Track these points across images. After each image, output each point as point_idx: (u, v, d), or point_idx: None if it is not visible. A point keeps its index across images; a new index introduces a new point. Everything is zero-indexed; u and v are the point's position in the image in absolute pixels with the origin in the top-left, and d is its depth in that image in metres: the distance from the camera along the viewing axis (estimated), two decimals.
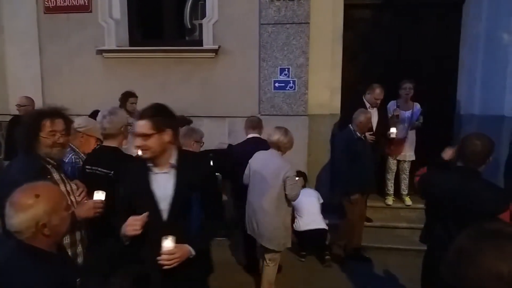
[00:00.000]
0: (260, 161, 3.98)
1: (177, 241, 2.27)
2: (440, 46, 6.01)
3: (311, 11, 5.56)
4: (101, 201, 2.65)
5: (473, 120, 5.65)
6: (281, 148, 3.90)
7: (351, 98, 5.86)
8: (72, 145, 3.22)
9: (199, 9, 6.56)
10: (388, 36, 6.08)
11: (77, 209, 2.55)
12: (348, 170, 4.72)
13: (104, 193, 2.67)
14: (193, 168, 2.44)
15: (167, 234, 2.25)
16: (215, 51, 5.94)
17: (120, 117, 3.10)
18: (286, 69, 5.70)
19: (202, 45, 5.99)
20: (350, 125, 4.85)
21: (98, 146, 3.30)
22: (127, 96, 5.50)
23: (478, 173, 2.86)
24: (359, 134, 4.78)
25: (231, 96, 5.92)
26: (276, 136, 3.87)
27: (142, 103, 5.50)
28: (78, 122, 3.30)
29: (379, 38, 6.12)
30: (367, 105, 5.29)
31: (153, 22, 6.62)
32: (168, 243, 2.24)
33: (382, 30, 6.11)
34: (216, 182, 2.76)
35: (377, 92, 5.23)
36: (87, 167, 3.06)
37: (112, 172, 2.93)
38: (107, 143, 3.12)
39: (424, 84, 5.87)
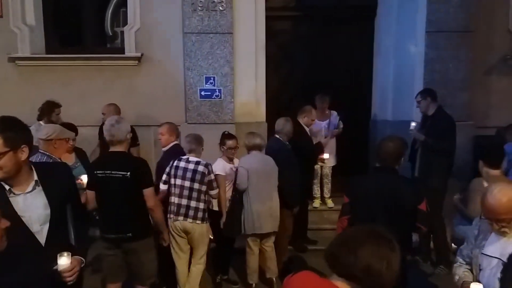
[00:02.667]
0: (258, 164, 4.48)
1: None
2: (355, 56, 6.43)
3: (234, 22, 5.67)
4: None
5: (387, 126, 6.07)
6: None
7: (276, 107, 6.07)
8: (47, 153, 3.47)
9: (121, 16, 6.43)
10: (307, 47, 6.39)
11: None
12: (299, 181, 4.79)
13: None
14: (58, 180, 2.30)
15: (47, 256, 2.10)
16: (138, 59, 5.86)
17: (126, 125, 3.47)
18: (212, 78, 5.74)
19: (124, 53, 5.88)
20: (276, 135, 4.94)
21: (109, 152, 3.54)
22: (53, 107, 5.21)
23: (395, 171, 3.17)
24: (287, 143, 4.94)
25: (156, 105, 5.84)
26: (258, 140, 4.58)
27: (61, 113, 5.29)
28: (45, 132, 3.54)
29: (299, 48, 6.41)
30: (305, 127, 5.36)
31: (71, 28, 6.38)
32: (65, 260, 2.13)
33: (302, 41, 6.41)
34: (77, 188, 2.67)
35: (314, 113, 5.43)
36: (98, 172, 3.42)
37: (128, 173, 3.35)
38: (114, 148, 3.46)
39: (341, 92, 6.24)
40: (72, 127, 4.23)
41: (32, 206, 2.17)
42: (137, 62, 5.88)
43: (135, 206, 3.44)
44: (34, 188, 2.19)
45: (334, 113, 5.96)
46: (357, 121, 6.34)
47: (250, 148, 4.54)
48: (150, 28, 5.84)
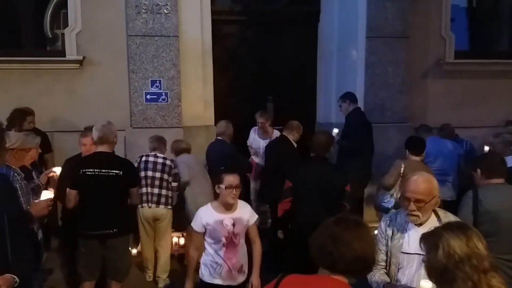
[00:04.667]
0: (192, 160, 4.86)
1: None
2: (300, 61, 6.58)
3: (180, 25, 5.63)
4: (51, 199, 2.89)
5: (331, 128, 6.21)
6: None
7: (224, 110, 6.07)
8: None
9: (61, 18, 6.19)
10: (254, 51, 6.47)
11: (32, 209, 2.74)
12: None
13: (52, 190, 2.97)
14: None
15: None
16: (80, 62, 5.68)
17: (114, 128, 3.71)
18: (158, 81, 5.66)
19: (64, 56, 5.69)
20: (219, 137, 5.01)
21: (96, 152, 3.66)
22: (25, 115, 4.94)
23: (326, 159, 3.87)
24: None
25: (99, 109, 5.64)
26: (184, 144, 4.91)
27: None
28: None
29: (246, 52, 6.48)
30: (294, 143, 5.10)
31: (7, 29, 6.05)
32: None
33: (248, 45, 6.49)
34: (18, 200, 2.57)
35: (301, 129, 5.23)
36: (87, 170, 3.51)
37: (121, 172, 3.55)
38: (102, 148, 3.60)
39: (287, 95, 6.36)
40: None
41: None
42: (78, 65, 5.70)
43: (121, 204, 3.67)
44: None
45: (277, 132, 5.68)
46: (303, 124, 6.43)
47: (178, 152, 4.87)
48: (92, 30, 5.67)
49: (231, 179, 3.14)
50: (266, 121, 5.65)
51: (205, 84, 6.03)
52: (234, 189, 3.13)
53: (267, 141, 5.66)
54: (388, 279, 2.46)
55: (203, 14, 5.88)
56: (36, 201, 2.88)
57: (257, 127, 5.80)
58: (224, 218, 3.16)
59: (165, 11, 5.52)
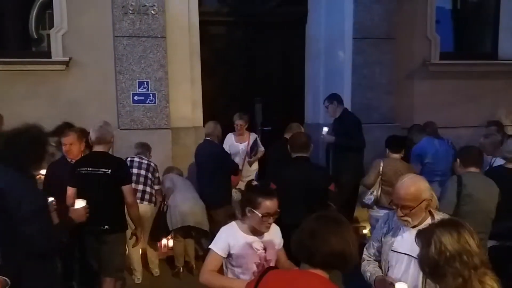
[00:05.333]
0: (178, 177, 5.18)
1: None
2: (289, 62, 6.61)
3: (167, 26, 5.61)
4: (87, 206, 3.13)
5: (319, 129, 6.26)
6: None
7: (213, 111, 6.07)
8: None
9: (47, 19, 6.12)
10: (242, 52, 6.48)
11: (73, 215, 2.96)
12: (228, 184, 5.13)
13: (85, 200, 3.15)
14: None
15: None
16: (66, 63, 5.62)
17: (111, 128, 3.87)
18: (145, 82, 5.63)
19: (50, 57, 5.62)
20: (207, 138, 5.01)
21: (92, 152, 3.81)
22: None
23: (308, 159, 3.88)
24: None
25: (86, 111, 5.59)
26: (175, 170, 5.17)
27: None
28: None
29: (234, 53, 6.48)
30: None
31: None
32: None
33: (236, 46, 6.49)
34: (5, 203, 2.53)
35: (302, 129, 5.29)
36: (81, 169, 3.66)
37: (109, 170, 3.63)
38: (98, 148, 3.73)
39: (276, 96, 6.37)
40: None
41: None
42: (65, 66, 5.64)
43: (113, 202, 3.73)
44: None
45: (254, 135, 5.77)
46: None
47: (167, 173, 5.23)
48: (79, 31, 5.62)
49: (268, 205, 2.54)
50: (245, 124, 5.60)
51: (193, 85, 6.02)
52: (271, 217, 2.57)
53: (245, 144, 5.65)
54: (380, 273, 2.49)
55: (191, 15, 5.87)
56: (75, 208, 3.08)
57: (234, 132, 5.72)
58: (254, 240, 2.60)
59: (152, 11, 5.50)
